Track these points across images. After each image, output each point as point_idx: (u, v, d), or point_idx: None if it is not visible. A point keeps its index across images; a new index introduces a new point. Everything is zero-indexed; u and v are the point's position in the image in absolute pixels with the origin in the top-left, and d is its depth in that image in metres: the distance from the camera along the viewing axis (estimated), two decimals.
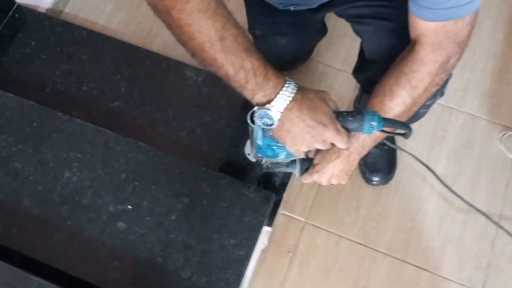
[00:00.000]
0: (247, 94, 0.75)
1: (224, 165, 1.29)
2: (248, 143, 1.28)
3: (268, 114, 0.74)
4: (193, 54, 0.76)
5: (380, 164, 1.42)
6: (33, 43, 1.41)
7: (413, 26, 0.86)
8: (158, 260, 1.05)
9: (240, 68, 0.72)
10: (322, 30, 1.40)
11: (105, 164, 1.12)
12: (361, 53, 1.22)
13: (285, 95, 0.73)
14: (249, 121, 1.02)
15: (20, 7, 1.46)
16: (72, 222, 1.09)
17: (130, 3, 1.67)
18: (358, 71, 1.27)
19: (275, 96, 0.73)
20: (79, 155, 1.13)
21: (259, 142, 0.86)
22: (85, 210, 1.09)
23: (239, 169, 1.27)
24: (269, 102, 0.73)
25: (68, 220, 1.09)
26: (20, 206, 1.10)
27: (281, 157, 0.89)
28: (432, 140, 1.48)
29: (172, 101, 1.34)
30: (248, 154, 1.25)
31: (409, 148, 1.45)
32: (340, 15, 1.18)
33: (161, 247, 1.06)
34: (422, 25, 0.83)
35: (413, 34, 0.87)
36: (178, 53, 1.57)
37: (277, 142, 0.84)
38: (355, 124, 0.81)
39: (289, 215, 1.40)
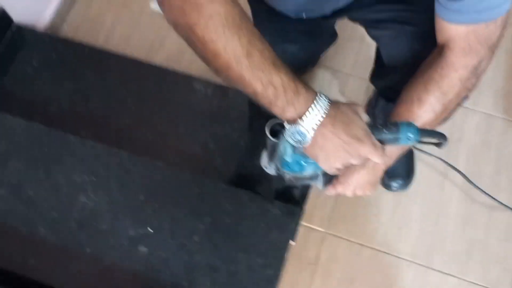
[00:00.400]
0: (276, 111, 0.71)
1: (240, 178, 1.25)
2: (264, 155, 1.24)
3: (300, 130, 0.71)
4: (218, 72, 0.72)
5: (399, 170, 1.39)
6: (35, 62, 1.37)
7: (441, 30, 0.83)
8: (184, 285, 1.01)
9: (268, 84, 0.69)
10: (332, 37, 1.37)
11: (122, 186, 1.08)
12: (378, 58, 1.18)
13: (317, 109, 0.70)
14: (268, 134, 0.99)
15: (19, 26, 1.41)
16: (91, 248, 1.04)
17: (131, 16, 1.63)
18: (376, 77, 1.24)
19: (307, 111, 0.70)
20: (93, 178, 1.09)
21: (288, 159, 0.83)
22: (103, 235, 1.05)
23: (255, 182, 1.23)
24: (300, 117, 0.70)
25: (87, 247, 1.04)
26: (36, 234, 1.05)
27: (308, 172, 0.86)
28: (449, 141, 1.43)
29: (182, 115, 1.30)
30: (265, 167, 1.22)
31: (426, 151, 1.43)
32: (354, 20, 1.14)
33: (186, 271, 1.02)
34: (451, 29, 0.80)
35: (441, 38, 0.84)
36: (182, 65, 1.53)
37: (307, 158, 0.81)
38: (391, 137, 0.78)
39: (308, 226, 1.37)
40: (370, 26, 1.10)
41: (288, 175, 0.92)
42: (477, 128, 1.46)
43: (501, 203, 1.30)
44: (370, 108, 1.40)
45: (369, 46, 1.57)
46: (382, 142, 0.78)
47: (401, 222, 1.37)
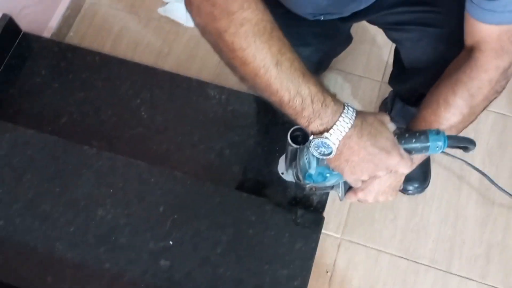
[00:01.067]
0: (302, 122, 0.70)
1: (257, 185, 1.23)
2: (281, 161, 1.22)
3: (325, 143, 0.69)
4: (244, 79, 0.71)
5: (415, 172, 1.35)
6: (43, 71, 1.33)
7: (471, 31, 0.81)
8: None
9: (296, 95, 0.67)
10: (347, 40, 1.35)
11: (141, 199, 1.05)
12: (398, 61, 1.17)
13: (344, 121, 0.69)
14: (289, 141, 0.97)
15: (26, 34, 1.38)
16: (111, 264, 1.01)
17: (138, 22, 1.60)
18: (396, 80, 1.22)
19: (334, 124, 0.69)
20: (111, 191, 1.06)
21: (312, 171, 0.82)
22: (123, 250, 1.02)
23: (273, 189, 1.22)
24: (327, 130, 0.69)
25: (107, 263, 1.01)
26: (53, 251, 1.02)
27: (331, 182, 0.84)
28: None
29: (197, 123, 1.27)
30: (282, 173, 1.20)
31: (441, 154, 1.42)
32: (373, 22, 1.12)
33: (209, 284, 1.00)
34: (483, 30, 0.78)
35: (471, 39, 0.82)
36: (193, 71, 1.51)
37: (331, 169, 0.79)
38: (419, 146, 0.77)
39: (323, 232, 1.34)
40: (391, 28, 1.08)
41: (309, 185, 0.91)
42: (492, 129, 1.45)
43: None
44: (386, 110, 1.39)
45: (380, 48, 1.56)
46: (409, 151, 0.76)
47: (418, 226, 1.35)
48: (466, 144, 0.85)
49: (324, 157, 0.73)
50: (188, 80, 1.32)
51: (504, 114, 1.47)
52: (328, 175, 0.81)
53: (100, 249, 1.03)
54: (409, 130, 0.81)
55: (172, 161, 1.23)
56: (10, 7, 1.35)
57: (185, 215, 1.05)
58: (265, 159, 1.25)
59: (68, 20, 1.55)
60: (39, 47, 1.36)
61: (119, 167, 1.09)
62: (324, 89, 0.69)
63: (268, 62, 0.66)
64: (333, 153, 0.71)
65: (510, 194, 1.23)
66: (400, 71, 1.15)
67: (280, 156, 1.21)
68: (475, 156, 1.42)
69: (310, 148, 0.71)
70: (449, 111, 0.84)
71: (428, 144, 0.76)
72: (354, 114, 0.70)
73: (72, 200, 1.07)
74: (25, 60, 1.34)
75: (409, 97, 1.20)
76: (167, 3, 1.61)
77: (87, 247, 1.03)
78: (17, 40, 1.36)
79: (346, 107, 0.70)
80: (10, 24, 1.33)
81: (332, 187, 0.90)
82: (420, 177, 1.38)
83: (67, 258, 1.02)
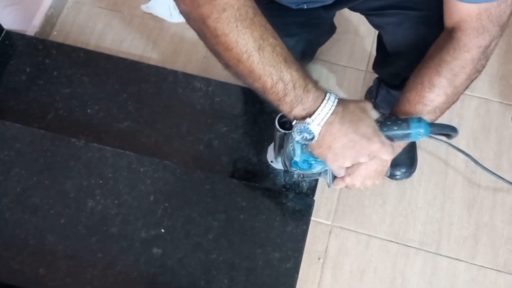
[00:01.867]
0: (285, 108, 0.71)
1: (247, 174, 1.23)
2: (270, 150, 1.23)
3: (308, 128, 0.70)
4: (227, 65, 0.72)
5: (401, 158, 1.39)
6: (28, 69, 1.33)
7: (451, 11, 0.83)
8: (202, 284, 0.99)
9: (278, 80, 0.68)
10: (331, 29, 1.37)
11: (131, 188, 1.05)
12: (381, 46, 1.18)
13: (326, 108, 0.70)
14: (277, 126, 0.97)
15: (9, 33, 1.37)
16: (103, 254, 1.01)
17: (122, 19, 1.60)
18: (380, 65, 1.24)
19: (316, 110, 0.70)
20: (101, 182, 1.06)
21: (297, 159, 0.83)
22: (115, 239, 1.02)
23: (263, 178, 1.22)
24: (309, 115, 0.70)
25: (99, 253, 1.01)
26: (44, 243, 1.01)
27: (317, 169, 0.86)
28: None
29: (185, 115, 1.28)
30: (271, 161, 1.21)
31: (426, 138, 1.44)
32: (355, 9, 1.14)
33: (202, 270, 1.00)
34: (463, 9, 0.80)
35: (451, 20, 0.84)
36: (178, 65, 1.52)
37: (316, 157, 0.80)
38: (401, 133, 0.78)
39: (314, 220, 1.36)
40: (373, 14, 1.09)
41: (297, 172, 0.91)
42: (476, 113, 1.48)
43: (508, 182, 1.30)
44: (371, 98, 1.41)
45: (364, 39, 1.58)
46: (391, 138, 0.78)
47: (407, 211, 1.37)
48: (448, 131, 0.87)
49: (307, 143, 0.74)
50: (174, 73, 1.33)
51: (486, 99, 1.50)
52: (313, 162, 0.82)
53: (92, 239, 1.02)
54: (391, 118, 0.82)
55: (161, 153, 1.23)
56: None
57: (176, 203, 1.05)
58: (254, 148, 1.26)
59: (51, 19, 1.55)
60: (23, 45, 1.36)
61: (108, 157, 1.09)
62: (306, 75, 0.70)
63: (251, 48, 0.67)
64: (315, 138, 0.71)
65: (495, 174, 1.25)
66: (383, 56, 1.17)
67: (269, 145, 1.22)
68: (460, 140, 1.44)
69: (293, 133, 0.72)
70: (434, 92, 0.85)
71: (410, 131, 0.78)
72: (336, 101, 0.71)
73: (62, 192, 1.06)
74: (9, 58, 1.34)
75: (393, 81, 1.22)
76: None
77: (79, 238, 1.02)
78: (0, 39, 1.35)
79: (328, 94, 0.71)
80: None
81: (320, 173, 0.92)
82: (407, 162, 1.40)
83: (59, 249, 1.01)
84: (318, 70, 1.54)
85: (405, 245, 1.34)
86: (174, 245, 1.02)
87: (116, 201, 1.05)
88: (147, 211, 1.04)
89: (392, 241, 1.34)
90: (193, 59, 1.54)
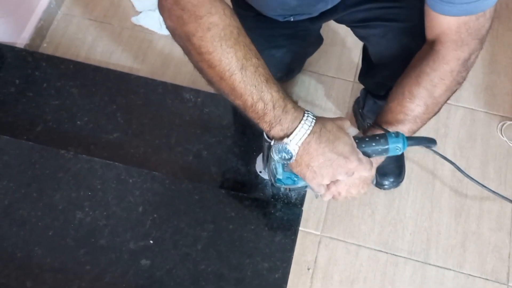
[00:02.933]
0: (264, 126, 0.72)
1: (236, 185, 1.24)
2: (258, 160, 1.24)
3: (286, 148, 0.72)
4: (210, 82, 0.74)
5: (389, 168, 1.41)
6: (17, 81, 1.33)
7: (432, 24, 0.85)
8: None
9: (259, 100, 0.70)
10: (318, 40, 1.39)
11: (120, 199, 1.05)
12: (366, 57, 1.20)
13: (304, 128, 0.71)
14: (265, 136, 0.98)
15: None
16: (91, 266, 1.01)
17: (112, 31, 1.61)
18: (365, 76, 1.26)
19: (293, 130, 0.71)
20: (89, 193, 1.06)
21: (279, 176, 0.85)
22: (103, 251, 1.02)
23: (252, 188, 1.23)
24: (287, 136, 0.71)
25: (87, 265, 1.01)
26: (32, 256, 1.01)
27: (301, 184, 0.87)
28: (435, 137, 1.45)
29: (174, 126, 1.28)
30: (260, 172, 1.21)
31: (414, 148, 1.46)
32: (341, 21, 1.16)
33: (191, 281, 1.00)
34: (443, 22, 0.82)
35: (432, 33, 0.86)
36: (167, 77, 1.53)
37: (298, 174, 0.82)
38: (379, 148, 0.80)
39: (303, 230, 1.37)
40: (357, 26, 1.11)
41: (283, 187, 0.93)
42: (461, 123, 1.50)
43: (492, 191, 1.31)
44: (358, 108, 1.42)
45: (351, 50, 1.61)
46: (370, 154, 0.80)
47: (395, 220, 1.38)
48: (425, 143, 0.88)
49: (285, 162, 0.75)
50: (163, 84, 1.33)
51: (472, 109, 1.52)
52: (296, 179, 0.84)
53: (80, 251, 1.02)
54: (368, 135, 0.84)
55: (150, 164, 1.23)
56: None
57: (165, 214, 1.05)
58: (242, 159, 1.26)
59: (41, 31, 1.55)
60: (13, 57, 1.36)
61: (97, 169, 1.09)
62: (286, 96, 0.72)
63: (233, 66, 0.69)
64: (293, 158, 0.73)
65: (480, 184, 1.26)
66: (369, 67, 1.19)
67: (258, 155, 1.23)
68: (446, 149, 1.46)
69: (272, 153, 0.74)
70: (414, 102, 0.87)
71: (388, 146, 0.80)
72: (313, 121, 0.73)
73: (50, 204, 1.06)
74: None
75: (378, 92, 1.24)
76: (140, 12, 1.63)
77: (67, 250, 1.02)
78: None
79: (306, 114, 0.73)
80: None
81: (306, 186, 0.92)
82: (395, 171, 1.41)
83: (46, 262, 1.01)
84: (306, 81, 1.55)
85: (394, 254, 1.34)
86: (162, 256, 1.02)
87: (105, 213, 1.05)
88: (136, 222, 1.04)
89: (381, 251, 1.35)
90: (183, 71, 1.55)
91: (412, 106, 0.87)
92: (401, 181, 1.42)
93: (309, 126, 0.72)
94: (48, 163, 1.09)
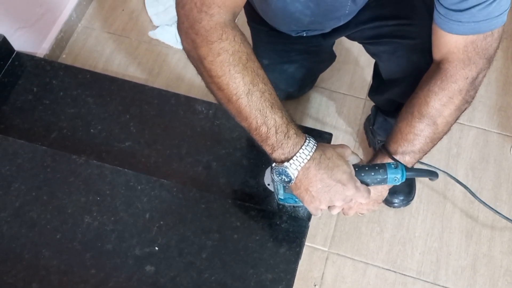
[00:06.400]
0: (267, 149, 0.76)
1: (244, 197, 1.24)
2: (267, 173, 1.24)
3: (286, 171, 0.75)
4: (220, 102, 0.78)
5: (400, 186, 1.38)
6: (35, 89, 1.37)
7: (439, 43, 0.85)
8: None
9: (262, 124, 0.73)
10: (331, 57, 1.40)
11: (127, 205, 1.07)
12: (377, 74, 1.21)
13: (304, 154, 0.74)
14: None
15: (19, 54, 1.42)
16: (97, 270, 1.02)
17: (129, 45, 1.65)
18: (376, 92, 1.26)
19: (294, 155, 0.74)
20: (98, 198, 1.08)
21: (281, 196, 0.89)
22: (109, 256, 1.03)
23: (260, 200, 1.23)
24: (287, 160, 0.74)
25: (92, 269, 1.02)
26: (39, 258, 1.02)
27: (302, 203, 0.87)
28: (447, 157, 1.47)
29: (185, 137, 1.30)
30: (268, 184, 1.22)
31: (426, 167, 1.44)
32: (353, 38, 1.18)
33: None
34: (450, 41, 0.82)
35: (439, 52, 0.86)
36: (181, 90, 1.55)
37: None
38: (378, 178, 0.82)
39: (311, 246, 1.36)
40: (369, 43, 1.13)
41: (286, 204, 0.97)
42: (474, 143, 1.48)
43: (503, 216, 1.30)
44: (369, 125, 1.42)
45: (363, 69, 1.62)
46: (368, 183, 0.82)
47: (405, 239, 1.37)
48: (425, 175, 0.90)
49: (285, 185, 0.79)
50: (176, 96, 1.36)
51: (485, 130, 1.51)
52: (297, 199, 0.85)
53: (86, 255, 1.03)
54: (369, 164, 0.86)
55: (160, 174, 1.24)
56: (4, 28, 1.39)
57: (171, 221, 1.06)
58: (251, 171, 1.27)
59: (61, 43, 1.60)
60: (32, 66, 1.40)
61: (107, 175, 1.10)
62: (290, 122, 0.75)
63: (240, 91, 0.73)
64: (292, 181, 0.76)
65: (490, 208, 1.25)
66: (379, 83, 1.20)
67: (266, 168, 1.23)
68: (458, 170, 1.45)
69: (272, 175, 0.77)
70: (423, 122, 0.87)
71: (386, 176, 0.82)
72: (314, 147, 0.76)
73: (60, 208, 1.08)
74: (18, 78, 1.38)
75: (388, 108, 1.24)
76: (157, 26, 1.67)
77: (74, 253, 1.03)
78: (10, 59, 1.39)
79: (307, 140, 0.76)
80: (4, 43, 1.37)
81: None
82: (405, 190, 1.40)
83: (53, 264, 1.02)
84: (318, 97, 1.56)
85: (402, 274, 1.32)
86: (167, 263, 1.02)
87: (112, 218, 1.06)
88: (142, 228, 1.05)
89: (390, 270, 1.33)
90: (197, 84, 1.57)
91: (422, 126, 0.87)
92: (411, 200, 1.40)
93: (310, 152, 0.75)
94: (60, 167, 1.12)
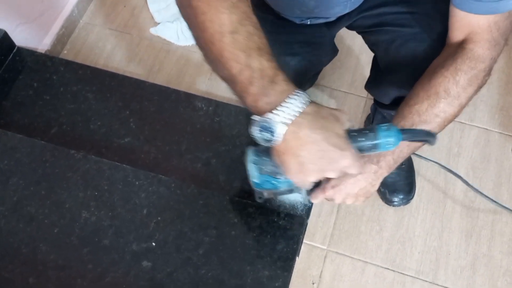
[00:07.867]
0: (249, 101, 0.62)
1: (243, 194, 1.24)
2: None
3: (270, 126, 0.60)
4: (202, 49, 0.67)
5: (399, 184, 1.39)
6: (36, 84, 1.37)
7: (460, 24, 0.83)
8: None
9: (246, 66, 0.61)
10: (333, 50, 1.39)
11: (125, 201, 1.07)
12: (375, 66, 1.20)
13: (293, 105, 0.60)
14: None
15: (20, 49, 1.42)
16: (94, 265, 1.02)
17: (130, 41, 1.65)
18: (372, 83, 1.25)
19: (280, 104, 0.60)
20: (96, 193, 1.08)
21: (256, 180, 0.75)
22: (106, 251, 1.03)
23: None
24: (272, 110, 0.60)
25: (89, 264, 1.02)
26: (37, 253, 1.02)
27: (283, 188, 0.78)
28: (448, 156, 1.46)
29: (185, 133, 1.30)
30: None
31: (426, 166, 1.44)
32: (354, 27, 1.17)
33: (191, 285, 1.00)
34: (472, 21, 0.80)
35: (461, 33, 0.83)
36: (182, 87, 1.55)
37: (277, 177, 0.73)
38: (369, 144, 0.68)
39: (310, 244, 1.35)
40: (368, 32, 1.12)
41: (265, 193, 0.83)
42: (475, 143, 1.48)
43: (506, 207, 1.28)
44: (369, 123, 1.42)
45: (364, 67, 1.61)
46: (359, 150, 0.68)
47: (404, 238, 1.36)
48: (423, 137, 0.77)
49: (268, 143, 0.62)
50: (176, 93, 1.35)
51: (486, 129, 1.50)
52: (275, 182, 0.75)
53: (84, 250, 1.03)
54: (357, 129, 0.71)
55: (159, 170, 1.24)
56: (6, 23, 1.39)
57: (169, 217, 1.06)
58: None
59: (62, 38, 1.60)
60: (33, 61, 1.40)
61: (105, 170, 1.10)
62: (278, 68, 0.62)
63: (225, 29, 0.62)
64: (277, 139, 0.61)
65: (494, 201, 1.24)
66: (376, 74, 1.19)
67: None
68: (459, 169, 1.44)
69: (251, 131, 0.61)
70: (447, 100, 0.82)
71: (378, 141, 0.68)
72: (308, 101, 0.62)
73: (58, 203, 1.08)
74: (19, 74, 1.38)
75: (384, 100, 1.23)
76: (158, 23, 1.67)
77: (71, 248, 1.03)
78: (11, 55, 1.40)
79: (298, 91, 0.62)
80: (5, 39, 1.37)
81: (290, 190, 0.82)
82: (405, 188, 1.40)
83: (50, 259, 1.02)
84: (319, 95, 1.56)
85: (401, 273, 1.32)
86: (164, 259, 1.02)
87: (110, 213, 1.06)
88: (140, 224, 1.05)
89: (388, 269, 1.32)
90: (197, 81, 1.57)
91: (446, 107, 0.82)
92: (411, 199, 1.40)
93: (302, 105, 0.61)
94: (58, 162, 1.12)
